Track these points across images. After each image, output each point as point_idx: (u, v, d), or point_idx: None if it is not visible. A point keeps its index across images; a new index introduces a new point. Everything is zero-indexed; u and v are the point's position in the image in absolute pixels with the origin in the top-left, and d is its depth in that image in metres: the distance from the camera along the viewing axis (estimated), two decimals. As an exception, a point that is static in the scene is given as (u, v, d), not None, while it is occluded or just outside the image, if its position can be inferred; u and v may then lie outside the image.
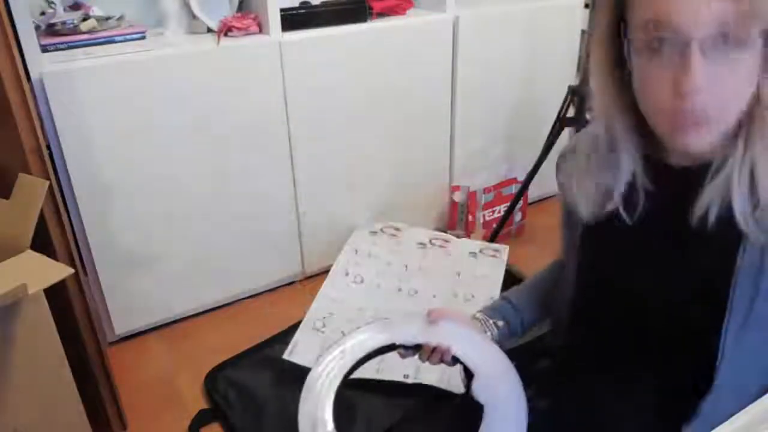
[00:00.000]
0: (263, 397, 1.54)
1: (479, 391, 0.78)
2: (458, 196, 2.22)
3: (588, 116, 1.82)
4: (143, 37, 1.65)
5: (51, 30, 1.56)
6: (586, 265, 0.81)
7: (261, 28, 1.75)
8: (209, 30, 1.74)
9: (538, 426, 0.76)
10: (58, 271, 0.97)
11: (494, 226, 2.19)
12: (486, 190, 2.22)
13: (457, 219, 2.26)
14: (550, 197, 2.43)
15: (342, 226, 2.06)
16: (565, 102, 1.93)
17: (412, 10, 2.07)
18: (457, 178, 2.25)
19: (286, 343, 1.64)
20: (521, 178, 2.18)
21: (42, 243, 1.08)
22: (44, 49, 1.51)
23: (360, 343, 0.85)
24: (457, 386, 1.47)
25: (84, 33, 1.58)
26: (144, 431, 1.48)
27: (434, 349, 0.84)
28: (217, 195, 1.77)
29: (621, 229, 0.73)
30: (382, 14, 1.96)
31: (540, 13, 2.18)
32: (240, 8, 1.82)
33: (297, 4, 1.87)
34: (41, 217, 1.06)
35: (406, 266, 1.96)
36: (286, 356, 1.59)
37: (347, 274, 1.90)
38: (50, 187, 1.10)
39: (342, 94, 1.88)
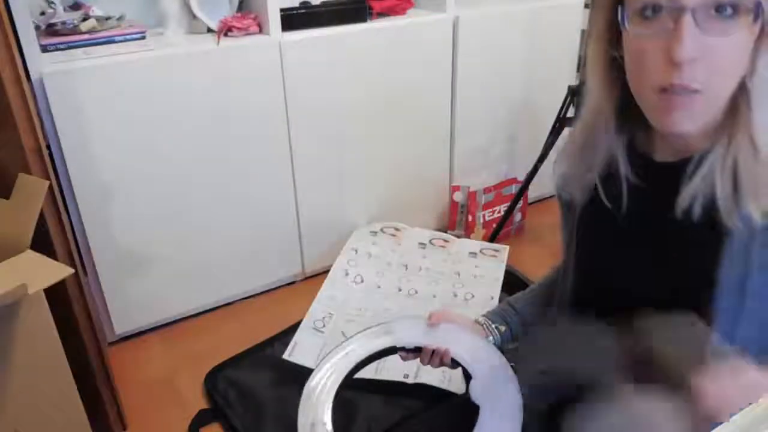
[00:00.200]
0: (263, 397, 1.54)
1: (476, 393, 0.78)
2: (458, 196, 2.23)
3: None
4: (143, 37, 1.65)
5: (51, 30, 1.56)
6: (579, 263, 0.81)
7: (261, 28, 1.75)
8: (209, 30, 1.74)
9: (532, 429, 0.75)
10: (58, 271, 0.97)
11: (494, 226, 2.19)
12: (486, 190, 2.22)
13: (457, 219, 2.26)
14: (550, 197, 2.43)
15: (342, 226, 2.06)
16: (565, 102, 1.93)
17: (412, 10, 2.07)
18: (457, 178, 2.25)
19: (286, 343, 1.64)
20: (521, 178, 2.18)
21: (42, 243, 1.08)
22: (44, 49, 1.51)
23: (361, 346, 0.86)
24: (457, 387, 1.47)
25: (84, 33, 1.58)
26: (144, 431, 1.49)
27: (434, 352, 0.85)
28: (217, 195, 1.77)
29: (609, 226, 0.74)
30: (382, 14, 1.96)
31: (540, 13, 2.18)
32: (240, 8, 1.82)
33: (297, 4, 1.87)
34: (41, 217, 1.06)
35: (406, 266, 1.96)
36: (286, 356, 1.59)
37: (347, 274, 1.90)
38: (50, 187, 1.10)
39: (342, 95, 1.88)
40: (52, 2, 1.60)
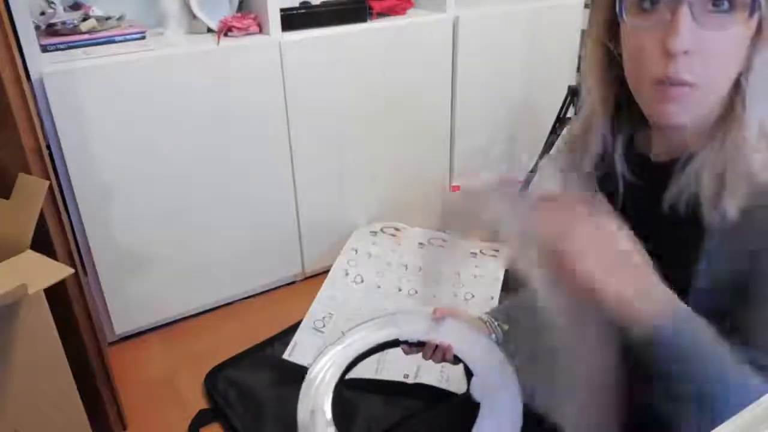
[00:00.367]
0: (263, 397, 1.54)
1: (476, 390, 0.78)
2: (458, 196, 2.22)
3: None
4: (143, 37, 1.65)
5: (51, 30, 1.56)
6: None
7: (261, 28, 1.75)
8: (209, 30, 1.74)
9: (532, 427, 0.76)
10: (58, 271, 0.97)
11: (494, 226, 2.18)
12: (486, 190, 2.22)
13: (457, 219, 2.26)
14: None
15: (342, 226, 2.06)
16: (564, 102, 1.93)
17: (412, 10, 2.07)
18: (457, 178, 2.25)
19: (286, 343, 1.64)
20: (521, 178, 2.18)
21: (42, 243, 1.08)
22: (44, 49, 1.51)
23: (364, 337, 0.86)
24: (456, 387, 1.47)
25: (84, 33, 1.58)
26: (144, 431, 1.49)
27: (437, 347, 0.85)
28: (217, 194, 1.77)
29: None
30: (382, 14, 1.96)
31: (540, 13, 2.18)
32: (240, 8, 1.82)
33: (297, 4, 1.87)
34: (41, 217, 1.06)
35: (406, 266, 1.96)
36: (286, 356, 1.59)
37: (347, 274, 1.90)
38: (50, 187, 1.10)
39: (342, 95, 1.88)
40: (52, 2, 1.60)
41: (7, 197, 1.05)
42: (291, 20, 1.76)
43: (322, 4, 1.88)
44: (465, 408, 0.78)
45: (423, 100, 2.05)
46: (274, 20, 1.71)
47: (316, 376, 0.80)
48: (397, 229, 2.11)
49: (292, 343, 1.64)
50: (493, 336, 0.90)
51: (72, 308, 1.26)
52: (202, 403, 1.56)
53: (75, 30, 1.57)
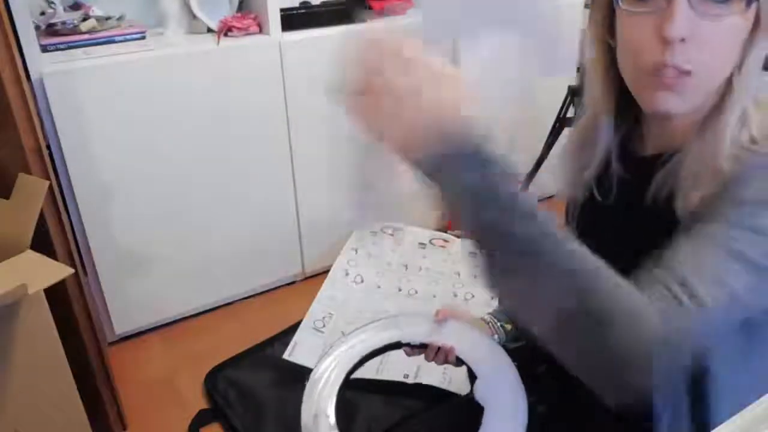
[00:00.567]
0: (263, 397, 1.54)
1: (480, 392, 0.78)
2: (458, 196, 2.22)
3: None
4: (143, 37, 1.65)
5: (51, 30, 1.56)
6: None
7: (261, 28, 1.75)
8: (209, 30, 1.74)
9: (535, 430, 0.75)
10: (58, 271, 0.98)
11: (494, 226, 2.18)
12: (486, 190, 2.22)
13: (457, 219, 2.26)
14: (550, 197, 2.43)
15: (342, 226, 2.06)
16: (565, 102, 1.93)
17: (412, 10, 2.06)
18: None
19: (286, 343, 1.63)
20: (521, 178, 2.18)
21: (42, 243, 1.08)
22: (44, 49, 1.51)
23: (367, 339, 0.85)
24: (457, 387, 1.47)
25: (84, 33, 1.58)
26: (144, 431, 1.48)
27: (439, 349, 0.84)
28: (217, 195, 1.77)
29: (606, 223, 0.75)
30: (382, 14, 1.96)
31: (540, 13, 2.18)
32: (240, 8, 1.82)
33: (297, 4, 1.87)
34: (41, 217, 1.06)
35: (406, 266, 1.96)
36: (286, 356, 1.59)
37: (347, 275, 1.90)
38: (50, 187, 1.10)
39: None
40: (52, 2, 1.60)
41: (7, 197, 1.05)
42: (291, 20, 1.76)
43: (322, 4, 1.88)
44: (466, 408, 0.78)
45: (423, 100, 2.05)
46: (274, 20, 1.71)
47: (319, 378, 0.80)
48: (397, 229, 2.11)
49: (292, 343, 1.63)
50: (496, 337, 0.90)
51: (72, 308, 1.26)
52: (202, 403, 1.56)
53: (75, 30, 1.57)
